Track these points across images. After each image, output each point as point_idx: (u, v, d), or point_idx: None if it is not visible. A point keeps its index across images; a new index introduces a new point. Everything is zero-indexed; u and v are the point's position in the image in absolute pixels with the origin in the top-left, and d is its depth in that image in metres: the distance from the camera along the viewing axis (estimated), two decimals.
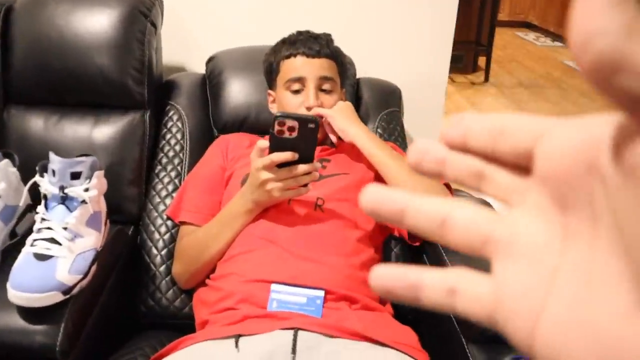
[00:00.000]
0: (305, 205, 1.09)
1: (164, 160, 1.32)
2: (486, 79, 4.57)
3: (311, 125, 0.92)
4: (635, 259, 0.17)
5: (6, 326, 0.93)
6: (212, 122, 1.41)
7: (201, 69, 1.53)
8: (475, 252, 0.22)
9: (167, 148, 1.33)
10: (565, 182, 0.19)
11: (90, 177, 1.00)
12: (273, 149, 0.94)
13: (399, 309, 1.11)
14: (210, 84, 1.43)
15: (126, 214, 1.27)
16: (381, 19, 1.61)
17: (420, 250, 1.21)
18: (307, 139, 0.94)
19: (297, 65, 1.18)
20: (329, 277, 1.01)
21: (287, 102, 1.18)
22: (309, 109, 1.15)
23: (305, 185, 1.00)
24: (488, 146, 0.22)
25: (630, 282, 0.17)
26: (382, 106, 1.46)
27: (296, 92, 1.18)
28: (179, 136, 1.34)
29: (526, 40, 6.42)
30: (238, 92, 1.38)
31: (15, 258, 0.98)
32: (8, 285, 0.93)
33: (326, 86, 1.19)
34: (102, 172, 1.03)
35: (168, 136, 1.34)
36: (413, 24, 1.61)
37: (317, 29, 1.27)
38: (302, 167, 0.96)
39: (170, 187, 1.28)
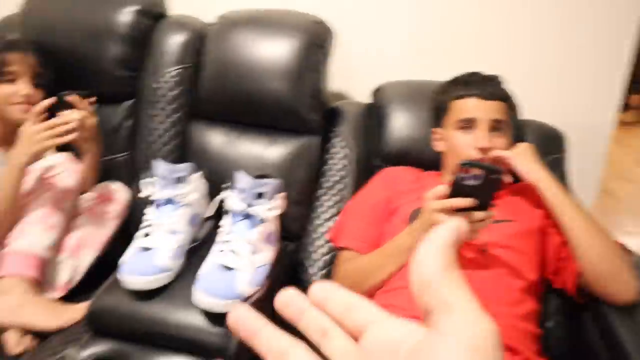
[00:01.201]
0: (471, 249, 1.10)
1: (327, 184, 1.39)
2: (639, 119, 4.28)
3: (495, 176, 0.94)
4: None
5: (189, 323, 1.04)
6: (376, 152, 1.46)
7: (363, 98, 1.60)
8: None
9: (330, 173, 1.40)
10: (376, 356, 0.26)
11: (273, 198, 1.08)
12: (453, 193, 0.97)
13: None
14: (375, 114, 1.48)
15: (289, 231, 1.36)
16: (544, 58, 1.58)
17: (582, 307, 1.17)
18: (488, 188, 0.95)
19: (470, 107, 1.20)
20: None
21: (457, 142, 1.20)
22: (481, 149, 1.16)
23: (476, 231, 1.01)
24: (338, 313, 0.29)
25: None
26: (546, 152, 1.42)
27: (466, 131, 1.20)
28: (343, 162, 1.40)
29: None
30: (402, 124, 1.42)
31: (198, 260, 1.09)
32: (194, 288, 1.03)
33: (498, 128, 1.19)
34: (284, 194, 1.11)
35: (332, 161, 1.41)
36: (580, 62, 1.56)
37: (480, 67, 1.28)
38: (478, 215, 0.97)
39: (332, 211, 1.35)
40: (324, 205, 1.37)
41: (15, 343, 1.15)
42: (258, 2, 1.51)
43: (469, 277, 0.91)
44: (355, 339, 0.28)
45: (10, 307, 1.17)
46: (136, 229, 1.43)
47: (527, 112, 1.49)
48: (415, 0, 1.59)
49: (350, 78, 1.70)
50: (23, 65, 1.34)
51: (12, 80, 1.33)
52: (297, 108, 1.38)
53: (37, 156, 1.21)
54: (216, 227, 1.31)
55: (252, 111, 1.41)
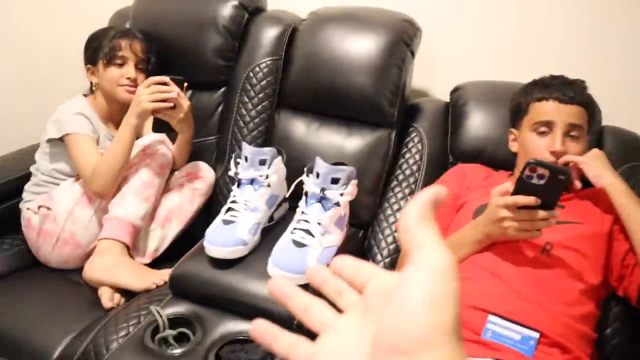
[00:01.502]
0: (533, 247, 1.11)
1: (401, 177, 1.44)
2: None
3: (561, 177, 0.95)
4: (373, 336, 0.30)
5: (260, 293, 1.12)
6: (450, 149, 1.49)
7: (442, 96, 1.62)
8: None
9: (404, 166, 1.45)
10: (373, 299, 0.33)
11: (346, 184, 1.15)
12: (518, 190, 0.99)
13: None
14: (453, 113, 1.51)
15: (360, 218, 1.42)
16: (632, 63, 1.53)
17: None
18: (554, 188, 0.97)
19: (548, 110, 1.20)
20: (547, 321, 1.03)
21: (531, 144, 1.21)
22: (554, 153, 1.17)
23: (539, 229, 1.03)
24: (350, 276, 0.36)
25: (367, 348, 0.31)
26: (625, 159, 1.39)
27: (542, 134, 1.20)
28: (417, 157, 1.45)
29: None
30: (479, 124, 1.44)
31: (271, 237, 1.18)
32: (270, 260, 1.12)
33: (574, 133, 1.19)
34: (356, 182, 1.18)
35: (407, 155, 1.46)
36: None
37: (565, 72, 1.27)
38: (542, 214, 0.99)
39: (402, 202, 1.39)
40: (396, 197, 1.41)
41: (108, 298, 1.30)
42: None
43: (529, 274, 0.93)
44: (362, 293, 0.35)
45: (107, 266, 1.32)
46: (219, 207, 1.56)
47: (610, 118, 1.46)
48: (501, 2, 1.59)
49: (432, 76, 1.73)
50: (131, 51, 1.49)
51: (121, 65, 1.48)
52: (379, 102, 1.44)
53: (142, 116, 1.36)
54: (291, 209, 1.40)
55: (335, 103, 1.48)
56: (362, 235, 1.43)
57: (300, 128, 1.51)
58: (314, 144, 1.48)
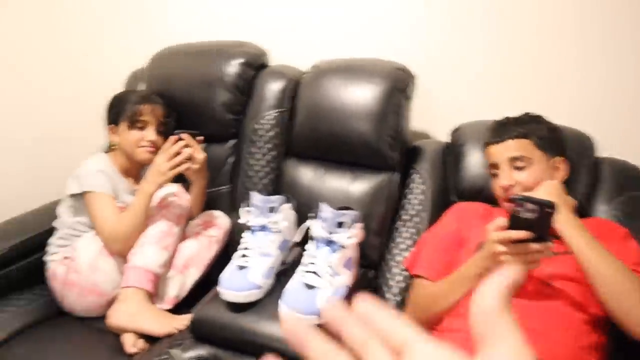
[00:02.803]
0: (534, 280, 1.16)
1: (405, 217, 1.51)
2: None
3: (548, 210, 1.02)
4: None
5: (275, 334, 1.19)
6: (451, 188, 1.56)
7: (442, 137, 1.71)
8: None
9: (408, 206, 1.52)
10: None
11: (352, 227, 1.22)
12: (512, 225, 1.06)
13: None
14: (452, 153, 1.59)
15: (369, 259, 1.49)
16: (622, 98, 1.60)
17: None
18: (544, 220, 1.03)
19: (491, 153, 1.35)
20: (553, 353, 1.06)
21: (492, 185, 1.36)
22: (502, 188, 1.28)
23: (536, 261, 1.09)
24: (380, 329, 0.31)
25: None
26: (623, 188, 1.44)
27: (495, 175, 1.34)
28: (420, 197, 1.52)
29: None
30: (477, 163, 1.52)
31: (285, 280, 1.25)
32: (280, 302, 1.19)
33: (518, 164, 1.29)
34: (361, 224, 1.25)
35: (410, 196, 1.53)
36: None
37: (554, 108, 1.36)
38: (534, 246, 1.05)
39: (408, 242, 1.46)
40: (401, 236, 1.48)
41: (131, 344, 1.36)
42: (350, 50, 1.68)
43: (534, 306, 0.98)
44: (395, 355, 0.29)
45: (129, 313, 1.39)
46: (234, 251, 1.63)
47: (606, 149, 1.52)
48: (492, 47, 1.68)
49: (430, 118, 1.81)
50: (152, 115, 1.60)
51: (142, 128, 1.59)
52: (379, 147, 1.52)
53: (161, 186, 1.45)
54: (302, 253, 1.47)
55: (339, 149, 1.57)
56: (372, 275, 1.49)
57: (307, 175, 1.60)
58: (321, 189, 1.56)
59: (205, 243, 1.59)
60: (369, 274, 1.50)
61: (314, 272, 1.19)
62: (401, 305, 1.39)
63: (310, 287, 1.18)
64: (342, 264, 1.23)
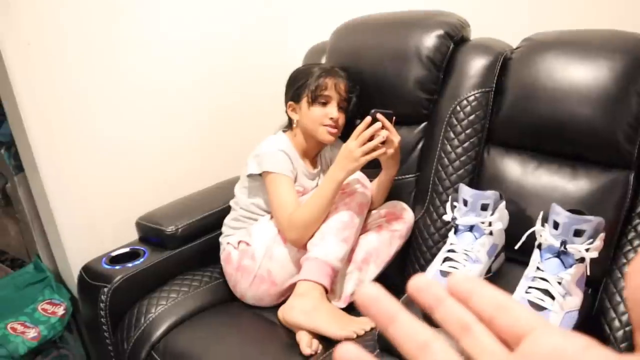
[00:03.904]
0: None
1: None
2: None
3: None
4: None
5: None
6: None
7: None
8: None
9: None
10: None
11: (593, 237, 0.97)
12: None
13: None
14: None
15: (590, 275, 1.21)
16: None
17: None
18: None
19: None
20: None
21: None
22: None
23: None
24: (487, 312, 0.26)
25: None
26: None
27: None
28: None
29: None
30: None
31: None
32: None
33: None
34: (603, 235, 0.99)
35: None
36: None
37: None
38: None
39: None
40: (635, 250, 1.18)
41: (307, 344, 1.23)
42: (568, 23, 1.40)
43: None
44: (502, 341, 0.26)
45: (306, 310, 1.26)
46: (416, 250, 1.44)
47: None
48: None
49: None
50: (336, 91, 1.45)
51: (324, 104, 1.44)
52: (612, 138, 1.23)
53: (352, 173, 1.29)
54: (508, 260, 1.24)
55: (556, 139, 1.30)
56: (590, 294, 1.21)
57: (514, 167, 1.35)
58: (532, 187, 1.30)
59: (387, 238, 1.42)
60: (588, 291, 1.21)
61: (544, 290, 0.95)
62: (629, 337, 1.10)
63: (538, 307, 0.94)
64: (575, 281, 0.98)
